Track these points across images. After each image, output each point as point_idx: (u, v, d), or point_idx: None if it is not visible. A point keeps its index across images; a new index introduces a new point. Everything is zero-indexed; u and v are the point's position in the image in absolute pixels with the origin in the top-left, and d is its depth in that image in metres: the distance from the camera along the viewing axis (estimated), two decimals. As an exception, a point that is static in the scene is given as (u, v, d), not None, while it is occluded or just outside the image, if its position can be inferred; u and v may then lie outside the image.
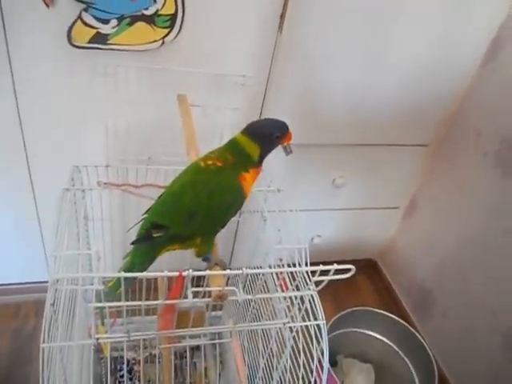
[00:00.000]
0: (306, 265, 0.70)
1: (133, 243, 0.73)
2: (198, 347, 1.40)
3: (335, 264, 0.58)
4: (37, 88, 1.08)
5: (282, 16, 1.07)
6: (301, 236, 0.74)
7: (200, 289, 0.56)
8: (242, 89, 1.02)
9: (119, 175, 0.98)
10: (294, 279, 0.71)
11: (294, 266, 0.69)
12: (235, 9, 1.06)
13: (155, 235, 0.70)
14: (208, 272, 0.55)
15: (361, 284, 1.89)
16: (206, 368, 1.09)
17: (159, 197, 0.77)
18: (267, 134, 0.72)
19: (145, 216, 0.77)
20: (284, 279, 0.80)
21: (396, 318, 1.33)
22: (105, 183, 0.99)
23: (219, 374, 1.31)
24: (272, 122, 0.74)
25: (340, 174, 1.49)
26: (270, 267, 0.78)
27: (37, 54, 1.03)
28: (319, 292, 0.71)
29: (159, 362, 1.00)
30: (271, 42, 1.12)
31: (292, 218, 0.80)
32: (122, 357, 1.27)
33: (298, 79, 1.20)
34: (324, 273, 0.62)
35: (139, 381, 1.23)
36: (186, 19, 1.03)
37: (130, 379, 1.16)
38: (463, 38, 1.26)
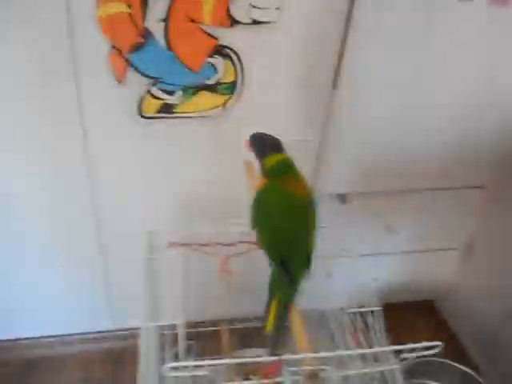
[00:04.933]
0: (381, 328, 0.71)
1: None
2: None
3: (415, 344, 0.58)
4: (110, 156, 1.17)
5: (336, 76, 1.12)
6: (372, 301, 0.76)
7: (295, 368, 0.58)
8: (301, 150, 1.06)
9: (188, 236, 1.04)
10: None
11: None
12: (289, 73, 1.12)
13: None
14: (304, 355, 0.57)
15: (420, 327, 1.84)
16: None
17: None
18: None
19: None
20: (356, 335, 0.81)
21: (464, 368, 1.28)
22: (176, 244, 1.05)
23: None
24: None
25: (393, 219, 1.49)
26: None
27: (110, 124, 1.11)
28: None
29: None
30: (325, 101, 1.17)
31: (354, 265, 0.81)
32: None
33: (351, 133, 1.24)
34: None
35: None
36: (246, 85, 1.10)
37: None
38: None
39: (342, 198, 1.34)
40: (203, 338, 1.55)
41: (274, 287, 0.72)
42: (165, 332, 0.81)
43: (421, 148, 1.34)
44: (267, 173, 0.75)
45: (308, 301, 1.12)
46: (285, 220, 0.71)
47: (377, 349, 0.63)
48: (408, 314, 1.86)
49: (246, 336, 1.56)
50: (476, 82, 1.23)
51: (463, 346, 1.69)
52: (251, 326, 1.51)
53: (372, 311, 0.73)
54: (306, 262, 0.72)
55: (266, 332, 0.69)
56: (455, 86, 1.23)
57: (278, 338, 0.68)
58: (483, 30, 1.12)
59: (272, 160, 0.74)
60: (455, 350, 1.72)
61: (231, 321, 1.51)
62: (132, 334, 0.79)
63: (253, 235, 1.19)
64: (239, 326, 1.50)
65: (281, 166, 0.74)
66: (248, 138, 0.80)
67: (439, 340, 1.84)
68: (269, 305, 0.72)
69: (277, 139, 0.78)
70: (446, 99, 1.25)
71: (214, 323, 1.47)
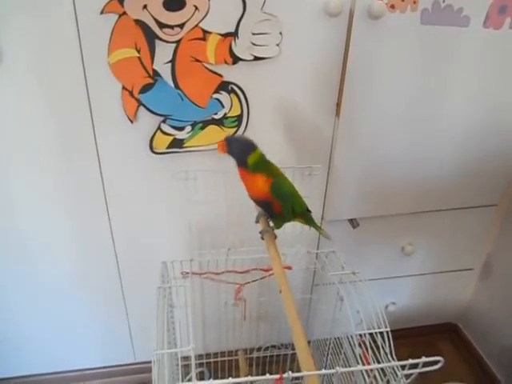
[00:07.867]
0: (390, 348, 0.72)
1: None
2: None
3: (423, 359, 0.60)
4: (124, 191, 1.21)
5: (338, 104, 1.16)
6: (381, 319, 0.77)
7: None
8: (309, 178, 1.09)
9: (201, 265, 1.07)
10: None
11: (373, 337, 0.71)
12: (293, 104, 1.16)
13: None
14: (305, 373, 0.59)
15: (443, 349, 1.81)
16: None
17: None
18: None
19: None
20: (366, 355, 0.82)
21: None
22: (188, 273, 1.08)
23: None
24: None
25: (408, 241, 1.49)
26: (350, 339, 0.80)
27: (123, 161, 1.17)
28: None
29: None
30: (329, 129, 1.21)
31: (365, 288, 0.83)
32: None
33: (357, 158, 1.26)
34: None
35: None
36: (251, 117, 1.14)
37: None
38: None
39: (353, 222, 1.36)
40: (222, 370, 1.55)
41: (313, 225, 1.05)
42: (179, 363, 0.82)
43: (432, 169, 1.34)
44: (252, 167, 0.91)
45: (322, 326, 1.14)
46: (293, 188, 0.98)
47: (376, 365, 0.63)
48: (431, 337, 1.84)
49: (264, 365, 1.56)
50: (484, 101, 1.24)
51: (489, 368, 1.65)
52: (268, 355, 1.51)
53: (381, 332, 0.74)
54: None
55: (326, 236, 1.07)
56: (464, 107, 1.24)
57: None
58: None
59: (253, 157, 0.91)
60: (481, 371, 1.68)
61: (248, 350, 1.51)
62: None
63: (265, 262, 1.22)
64: (256, 355, 1.50)
65: (261, 160, 0.93)
66: (223, 142, 0.92)
67: (464, 363, 1.80)
68: (318, 231, 1.07)
69: (249, 139, 0.94)
70: (455, 120, 1.26)
71: (231, 353, 1.48)
